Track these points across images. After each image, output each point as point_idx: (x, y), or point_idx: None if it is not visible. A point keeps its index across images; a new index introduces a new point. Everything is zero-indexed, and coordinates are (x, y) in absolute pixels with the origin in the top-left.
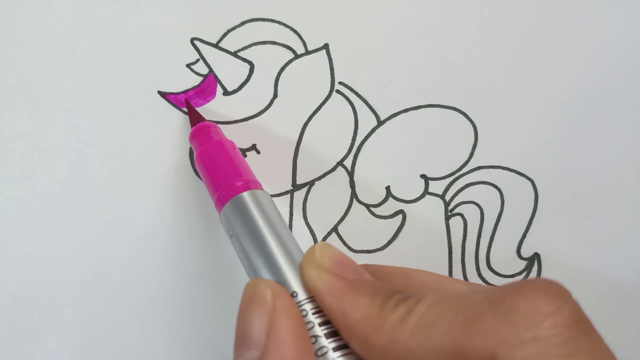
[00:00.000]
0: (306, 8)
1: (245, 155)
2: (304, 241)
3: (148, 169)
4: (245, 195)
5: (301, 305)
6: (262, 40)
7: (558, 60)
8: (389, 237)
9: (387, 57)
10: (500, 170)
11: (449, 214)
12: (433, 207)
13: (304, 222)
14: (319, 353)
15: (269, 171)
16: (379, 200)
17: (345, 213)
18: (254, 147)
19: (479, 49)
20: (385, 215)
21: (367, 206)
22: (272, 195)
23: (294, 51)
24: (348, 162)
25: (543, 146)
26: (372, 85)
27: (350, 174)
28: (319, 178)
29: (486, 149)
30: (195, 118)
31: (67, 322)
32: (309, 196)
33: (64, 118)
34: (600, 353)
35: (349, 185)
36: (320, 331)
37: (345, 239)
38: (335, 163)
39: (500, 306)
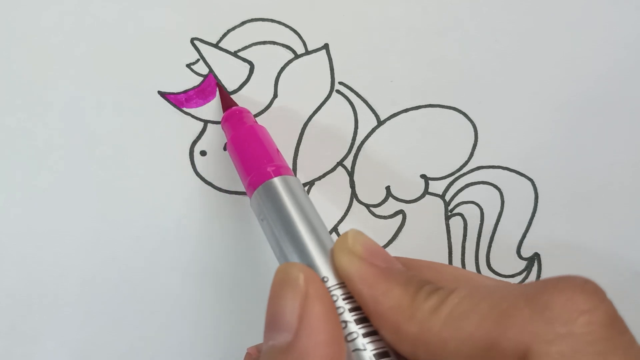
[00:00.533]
0: (306, 8)
1: None
2: None
3: (148, 169)
4: (277, 180)
5: (331, 290)
6: (262, 40)
7: (558, 60)
8: (389, 237)
9: (387, 57)
10: (500, 170)
11: (449, 214)
12: (433, 207)
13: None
14: (349, 338)
15: None
16: (379, 200)
17: (345, 213)
18: None
19: (479, 49)
20: (385, 215)
21: (367, 206)
22: None
23: (294, 51)
24: (348, 162)
25: (543, 146)
26: (372, 85)
27: (350, 174)
28: (319, 178)
29: (486, 149)
30: (227, 103)
31: (67, 322)
32: (309, 196)
33: (64, 118)
34: (634, 353)
35: (349, 185)
36: (350, 317)
37: None
38: (335, 163)
39: (536, 301)
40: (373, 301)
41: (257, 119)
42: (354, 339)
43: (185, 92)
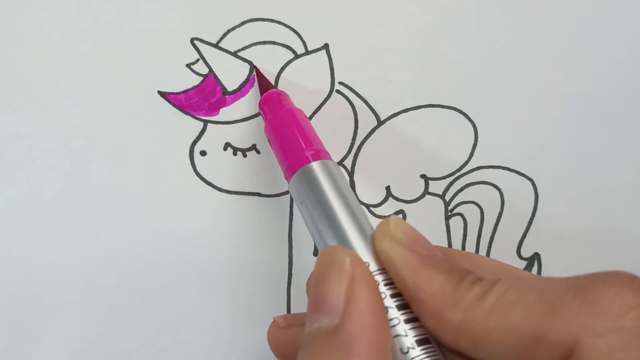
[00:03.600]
0: (306, 8)
1: (245, 156)
2: (305, 242)
3: (148, 169)
4: (315, 165)
5: (374, 276)
6: (262, 40)
7: (558, 60)
8: None
9: (387, 57)
10: (500, 170)
11: (449, 214)
12: (433, 207)
13: (304, 222)
14: (390, 324)
15: (268, 171)
16: (379, 200)
17: None
18: (254, 147)
19: (479, 49)
20: (386, 215)
21: (367, 206)
22: (272, 196)
23: (294, 51)
24: (348, 162)
25: (543, 146)
26: (372, 85)
27: (350, 174)
28: None
29: (486, 148)
30: (265, 85)
31: (67, 322)
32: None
33: (64, 118)
34: None
35: (348, 185)
36: (391, 303)
37: None
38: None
39: (584, 295)
40: (415, 288)
41: (257, 118)
42: (395, 325)
43: (185, 92)
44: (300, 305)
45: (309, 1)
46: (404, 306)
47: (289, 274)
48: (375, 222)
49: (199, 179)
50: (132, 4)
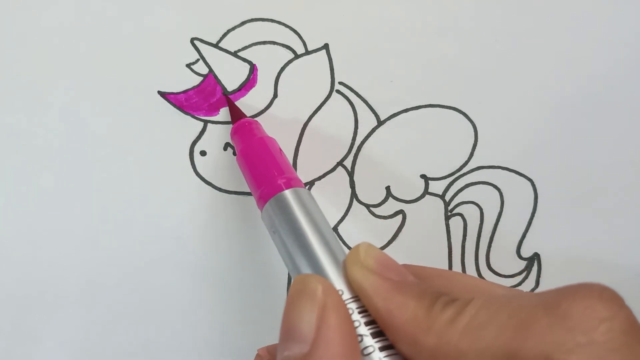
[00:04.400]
0: (306, 8)
1: None
2: None
3: (148, 169)
4: (288, 193)
5: (346, 304)
6: (262, 40)
7: (558, 61)
8: (389, 237)
9: (387, 57)
10: (500, 170)
11: (449, 214)
12: (433, 207)
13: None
14: (365, 352)
15: None
16: (379, 200)
17: (345, 213)
18: None
19: (479, 49)
20: (385, 215)
21: (367, 206)
22: None
23: (294, 51)
24: (348, 162)
25: (543, 146)
26: (372, 85)
27: (350, 174)
28: (319, 178)
29: (486, 149)
30: (236, 114)
31: (67, 322)
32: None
33: (64, 118)
34: None
35: (349, 185)
36: (366, 330)
37: (345, 239)
38: (335, 163)
39: (555, 310)
40: (388, 314)
41: (257, 119)
42: (369, 353)
43: (185, 92)
44: None
45: (309, 1)
46: (378, 334)
47: (289, 274)
48: (375, 222)
49: (199, 179)
50: (132, 4)
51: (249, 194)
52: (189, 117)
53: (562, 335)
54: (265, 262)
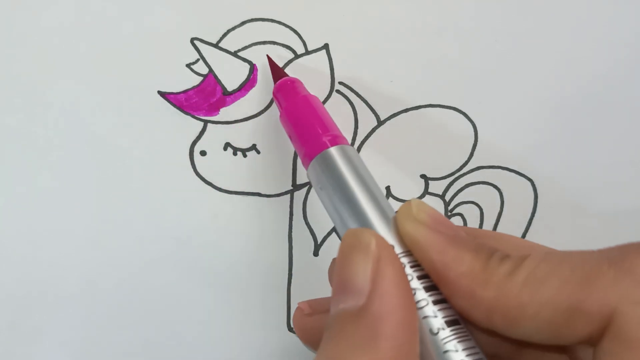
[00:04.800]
0: (306, 8)
1: (245, 156)
2: (305, 242)
3: (148, 169)
4: (333, 150)
5: (399, 258)
6: (262, 40)
7: (558, 60)
8: None
9: (387, 57)
10: (500, 170)
11: (449, 214)
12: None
13: (304, 222)
14: (418, 306)
15: (269, 171)
16: None
17: None
18: (254, 147)
19: (479, 49)
20: None
21: None
22: (272, 196)
23: (294, 51)
24: None
25: (543, 146)
26: (372, 85)
27: None
28: None
29: (486, 149)
30: (278, 73)
31: (67, 322)
32: (309, 196)
33: (63, 118)
34: None
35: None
36: (418, 284)
37: None
38: None
39: (620, 264)
40: (444, 267)
41: (257, 118)
42: (423, 307)
43: (185, 92)
44: None
45: (309, 1)
46: (431, 288)
47: (289, 274)
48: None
49: (199, 179)
50: (132, 4)
51: (249, 193)
52: (189, 117)
53: (628, 287)
54: (266, 262)
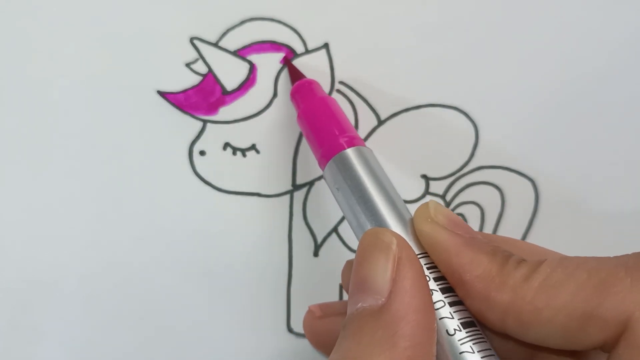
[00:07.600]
0: (306, 7)
1: (244, 156)
2: (305, 242)
3: (147, 169)
4: (350, 151)
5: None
6: (262, 39)
7: (558, 60)
8: None
9: (388, 57)
10: (501, 170)
11: None
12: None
13: (303, 223)
14: (435, 307)
15: (268, 171)
16: None
17: None
18: (253, 147)
19: (480, 49)
20: None
21: None
22: (272, 196)
23: (293, 50)
24: None
25: (544, 146)
26: (372, 85)
27: None
28: (319, 178)
29: (487, 148)
30: (295, 75)
31: (67, 322)
32: (309, 196)
33: (63, 118)
34: None
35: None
36: (435, 286)
37: (345, 240)
38: None
39: (637, 271)
40: (460, 269)
41: (256, 118)
42: (439, 308)
43: (184, 91)
44: (300, 305)
45: (309, 0)
46: (447, 289)
47: (289, 274)
48: None
49: (198, 179)
50: (132, 3)
51: (248, 194)
52: (188, 117)
53: None
54: (265, 262)
